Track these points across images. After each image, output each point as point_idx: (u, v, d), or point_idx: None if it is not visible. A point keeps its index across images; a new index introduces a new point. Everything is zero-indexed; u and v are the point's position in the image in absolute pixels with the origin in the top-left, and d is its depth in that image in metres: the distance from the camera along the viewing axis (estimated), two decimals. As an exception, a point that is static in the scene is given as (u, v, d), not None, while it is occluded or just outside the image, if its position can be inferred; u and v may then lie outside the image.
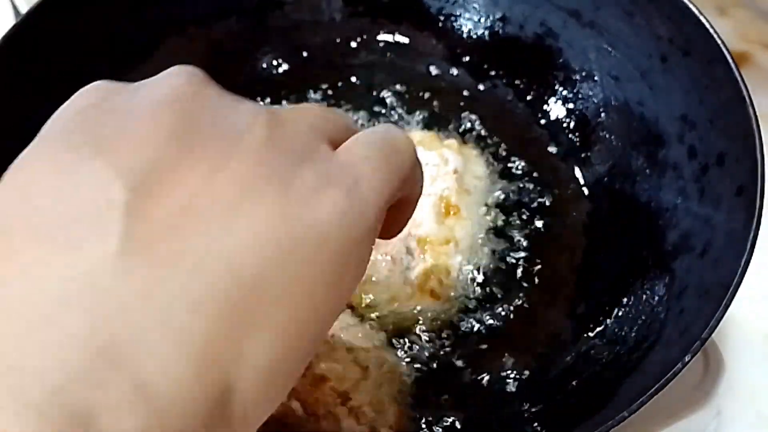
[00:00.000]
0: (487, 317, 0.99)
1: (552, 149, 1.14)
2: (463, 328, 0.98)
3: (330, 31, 1.25)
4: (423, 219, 1.01)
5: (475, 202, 1.07)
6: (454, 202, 1.03)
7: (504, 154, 1.14)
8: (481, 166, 1.11)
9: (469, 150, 1.12)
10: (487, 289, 1.01)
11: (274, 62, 1.22)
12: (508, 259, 1.04)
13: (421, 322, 0.98)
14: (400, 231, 0.53)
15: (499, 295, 1.01)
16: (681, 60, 0.99)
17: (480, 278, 1.02)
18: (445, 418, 0.91)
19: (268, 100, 1.17)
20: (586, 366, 0.93)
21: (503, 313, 0.99)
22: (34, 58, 1.01)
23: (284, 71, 1.19)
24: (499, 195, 1.09)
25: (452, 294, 1.00)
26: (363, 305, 0.99)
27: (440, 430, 0.90)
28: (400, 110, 1.17)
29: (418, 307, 0.98)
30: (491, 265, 1.03)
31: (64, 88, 1.06)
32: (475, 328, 0.98)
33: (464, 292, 1.01)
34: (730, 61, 0.90)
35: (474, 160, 1.11)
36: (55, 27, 1.03)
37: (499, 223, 1.07)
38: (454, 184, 1.04)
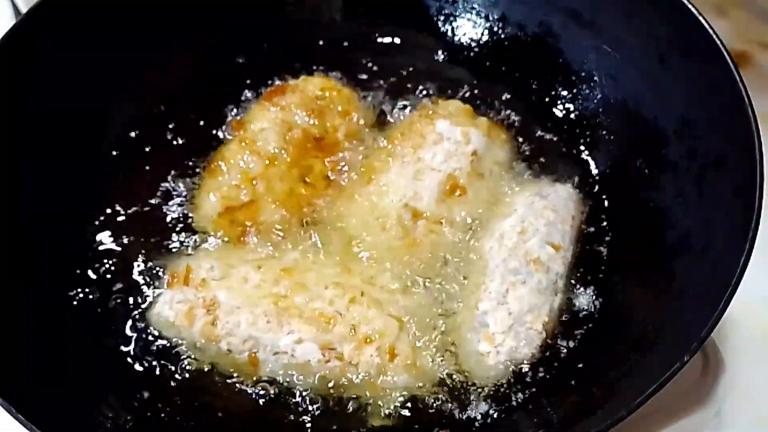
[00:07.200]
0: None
1: (551, 149, 1.14)
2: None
3: (330, 31, 1.26)
4: (424, 193, 1.02)
5: (487, 187, 1.05)
6: (461, 184, 1.02)
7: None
8: (505, 152, 1.09)
9: (498, 132, 1.11)
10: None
11: (275, 61, 1.22)
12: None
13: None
14: None
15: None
16: (680, 60, 0.98)
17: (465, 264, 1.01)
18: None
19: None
20: (584, 364, 0.92)
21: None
22: (34, 58, 1.01)
23: (284, 70, 1.19)
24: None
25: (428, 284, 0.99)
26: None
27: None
28: (398, 110, 1.17)
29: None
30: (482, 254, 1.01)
31: (63, 87, 1.06)
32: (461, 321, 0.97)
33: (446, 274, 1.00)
34: (729, 61, 0.90)
35: (500, 144, 1.09)
36: (55, 27, 1.03)
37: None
38: (468, 165, 1.03)
